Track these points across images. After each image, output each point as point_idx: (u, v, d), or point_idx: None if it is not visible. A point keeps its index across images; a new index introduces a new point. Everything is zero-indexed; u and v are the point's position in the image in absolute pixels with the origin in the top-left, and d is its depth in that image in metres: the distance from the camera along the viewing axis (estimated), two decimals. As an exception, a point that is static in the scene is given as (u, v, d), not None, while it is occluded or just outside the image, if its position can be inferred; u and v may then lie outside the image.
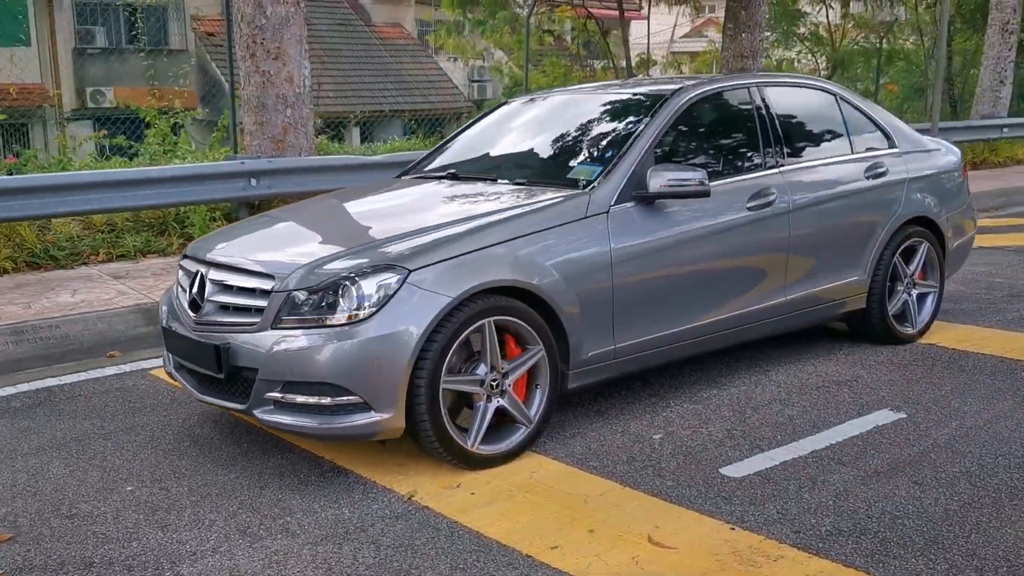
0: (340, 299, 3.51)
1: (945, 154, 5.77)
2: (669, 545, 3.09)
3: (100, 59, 26.37)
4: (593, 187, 4.16)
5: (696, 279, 4.39)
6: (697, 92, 4.66)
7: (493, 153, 5.01)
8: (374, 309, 3.48)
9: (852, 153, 5.21)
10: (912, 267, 5.42)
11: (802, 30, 17.95)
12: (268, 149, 8.52)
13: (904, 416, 4.26)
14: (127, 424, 4.38)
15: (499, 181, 4.52)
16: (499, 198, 4.23)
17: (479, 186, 4.54)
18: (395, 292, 3.50)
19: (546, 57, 18.70)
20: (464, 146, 5.23)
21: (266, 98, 8.50)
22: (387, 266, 3.56)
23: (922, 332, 5.51)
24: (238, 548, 3.14)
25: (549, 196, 4.14)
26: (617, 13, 27.75)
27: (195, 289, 3.91)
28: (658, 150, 4.39)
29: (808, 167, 4.94)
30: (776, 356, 5.20)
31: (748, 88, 4.89)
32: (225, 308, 3.79)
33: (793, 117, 5.10)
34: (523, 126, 5.14)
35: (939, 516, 3.26)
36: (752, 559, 2.98)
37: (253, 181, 7.99)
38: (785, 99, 5.11)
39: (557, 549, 3.08)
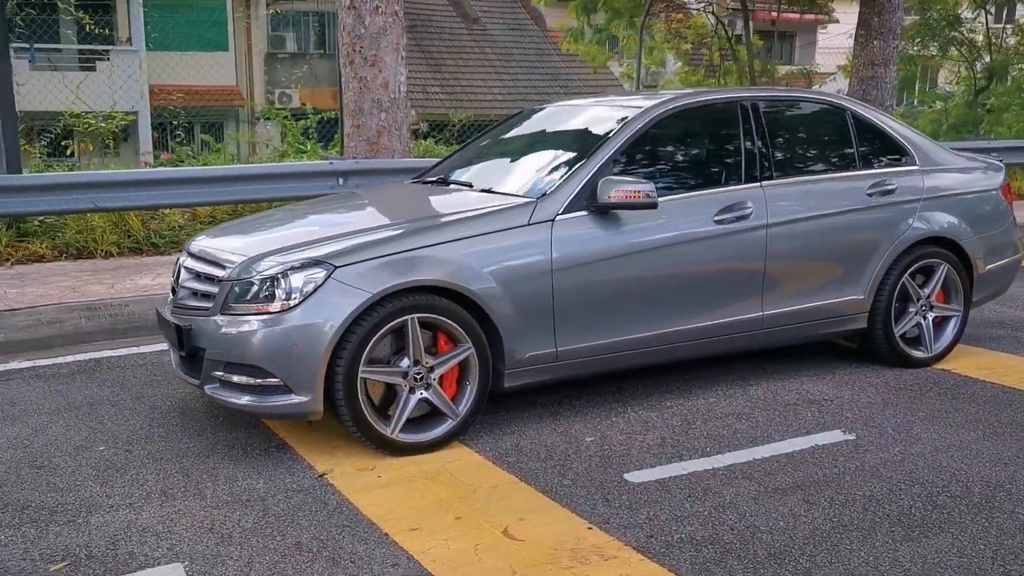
0: (275, 290, 3.86)
1: (981, 174, 5.52)
2: (518, 538, 3.25)
3: (288, 63, 28.18)
4: (544, 196, 4.33)
5: (650, 289, 4.47)
6: (670, 108, 4.72)
7: (481, 161, 5.25)
8: (300, 300, 3.81)
9: (858, 170, 5.10)
10: (928, 289, 5.23)
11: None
12: (363, 150, 9.05)
13: (852, 438, 4.19)
14: (138, 394, 4.91)
15: (472, 188, 4.76)
16: (456, 204, 4.48)
17: (450, 192, 4.81)
18: (320, 286, 3.82)
19: (685, 66, 18.59)
20: (468, 153, 5.49)
21: (362, 102, 9.03)
22: (316, 262, 3.89)
23: (939, 357, 5.31)
24: (149, 505, 3.55)
25: (497, 203, 4.35)
26: (798, 16, 26.99)
27: (174, 276, 4.39)
28: (622, 163, 4.50)
29: (796, 183, 4.90)
30: (771, 370, 5.17)
31: (738, 103, 4.90)
32: (194, 294, 4.23)
33: (789, 133, 5.06)
34: (517, 136, 5.35)
35: (802, 534, 3.26)
36: (585, 557, 3.11)
37: (340, 180, 8.53)
38: (783, 115, 5.08)
39: (415, 531, 3.31)
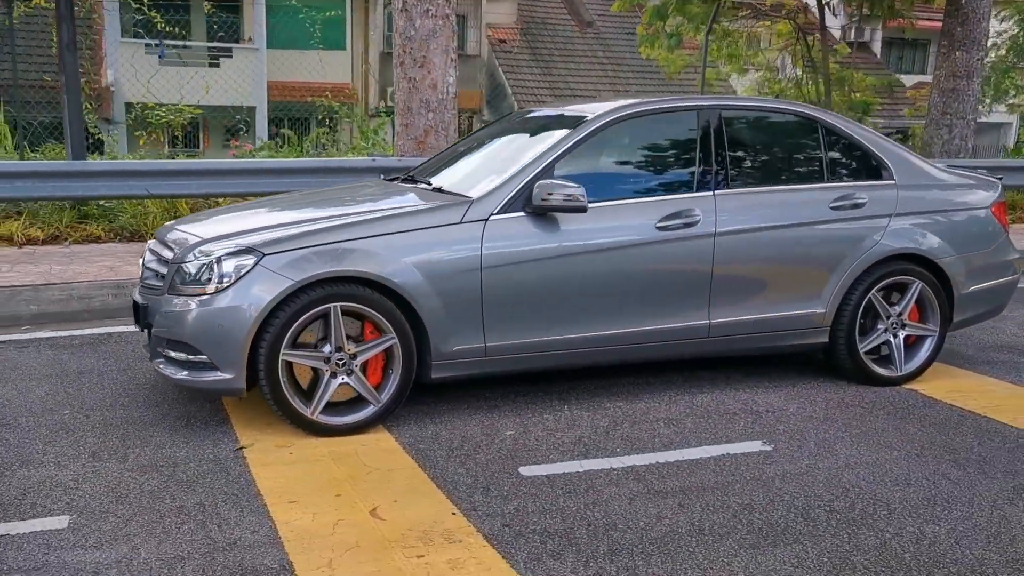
0: (210, 274, 4.16)
1: (969, 191, 5.37)
2: (382, 517, 3.44)
3: (403, 62, 28.80)
4: (482, 196, 4.49)
5: (586, 291, 4.56)
6: (621, 114, 4.80)
7: (453, 162, 5.41)
8: (229, 284, 4.10)
9: (825, 183, 5.06)
10: (900, 307, 5.14)
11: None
12: (411, 149, 9.36)
13: (768, 449, 4.20)
14: (126, 367, 5.31)
15: (430, 186, 4.95)
16: (401, 201, 4.68)
17: (407, 190, 5.01)
18: (248, 272, 4.10)
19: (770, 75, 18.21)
20: (447, 154, 5.68)
21: (411, 102, 9.34)
22: (248, 250, 4.16)
23: (911, 377, 5.20)
24: (74, 464, 3.89)
25: (436, 202, 4.54)
26: (935, 23, 26.02)
27: (142, 258, 4.75)
28: (568, 168, 4.61)
29: (753, 193, 4.90)
30: (734, 378, 5.20)
31: (697, 111, 4.93)
32: (155, 275, 4.57)
33: (753, 143, 5.07)
34: (490, 138, 5.51)
35: (655, 536, 3.33)
36: (433, 540, 3.27)
37: (381, 176, 8.84)
38: (748, 125, 5.08)
39: (292, 503, 3.54)
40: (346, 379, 4.23)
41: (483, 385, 4.92)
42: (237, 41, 27.02)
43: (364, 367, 4.27)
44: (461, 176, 5.05)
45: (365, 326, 4.28)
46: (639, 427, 4.45)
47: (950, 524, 3.47)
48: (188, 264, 4.24)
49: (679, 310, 4.75)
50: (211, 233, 4.45)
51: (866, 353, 5.13)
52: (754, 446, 4.24)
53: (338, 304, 4.16)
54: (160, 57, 24.58)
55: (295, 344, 4.16)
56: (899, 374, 5.18)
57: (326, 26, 28.02)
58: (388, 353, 4.29)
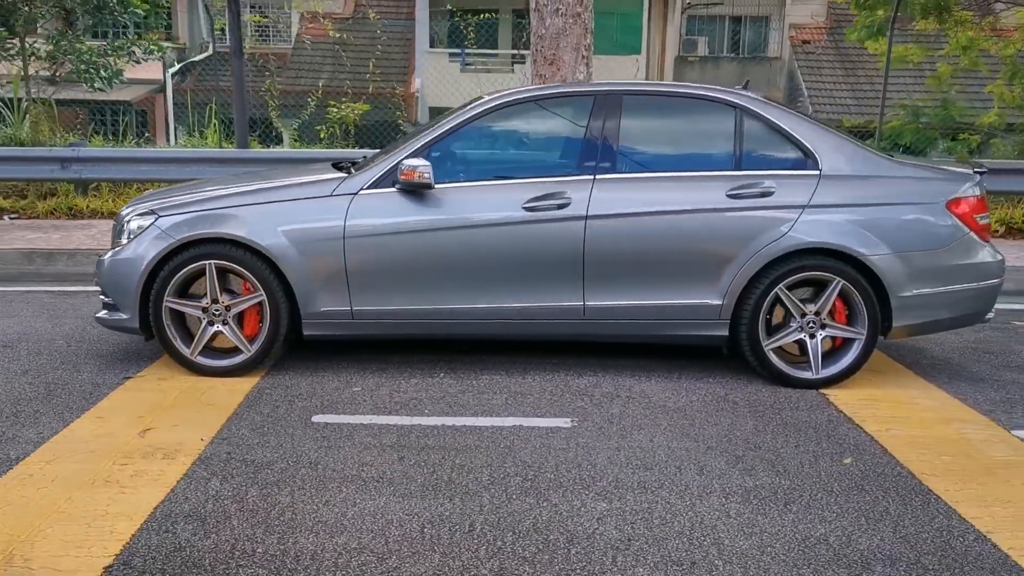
0: (123, 232, 4.98)
1: (919, 184, 4.89)
2: (144, 436, 4.03)
3: (697, 66, 29.14)
4: (358, 173, 4.93)
5: (450, 265, 4.81)
6: (508, 99, 4.98)
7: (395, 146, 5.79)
8: (130, 240, 4.89)
9: (731, 171, 4.88)
10: (817, 305, 4.83)
11: None
12: (540, 144, 9.77)
13: (564, 426, 4.24)
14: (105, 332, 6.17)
15: (351, 167, 5.38)
16: (300, 179, 5.16)
17: (323, 169, 5.43)
18: (145, 230, 4.87)
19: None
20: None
21: (539, 99, 9.74)
22: (150, 212, 4.94)
23: (831, 381, 4.87)
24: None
25: (315, 177, 5.04)
26: None
27: (122, 220, 5.69)
28: (446, 149, 4.92)
29: (639, 179, 4.86)
30: (629, 365, 5.19)
31: (595, 97, 4.97)
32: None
33: (652, 129, 5.01)
34: (426, 124, 5.84)
35: (350, 475, 3.63)
36: (155, 455, 3.80)
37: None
38: (652, 110, 5.03)
39: (99, 419, 4.24)
40: (221, 328, 4.87)
41: (393, 349, 5.34)
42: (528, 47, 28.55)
43: (239, 319, 4.88)
44: (373, 157, 5.43)
45: (244, 284, 4.88)
46: (473, 396, 4.64)
47: (622, 506, 3.42)
48: (116, 224, 5.09)
49: (551, 290, 4.85)
50: (149, 200, 5.27)
51: (780, 351, 4.88)
52: (558, 422, 4.30)
53: (212, 262, 4.80)
54: (463, 66, 26.70)
55: (185, 294, 4.86)
56: (815, 377, 4.86)
57: (624, 32, 28.90)
58: (262, 308, 4.86)
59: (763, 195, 4.80)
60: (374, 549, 3.05)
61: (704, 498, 3.50)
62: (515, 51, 27.15)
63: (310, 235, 4.82)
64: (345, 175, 4.99)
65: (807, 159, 4.89)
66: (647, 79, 28.70)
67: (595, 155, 4.88)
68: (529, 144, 5.17)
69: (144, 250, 4.82)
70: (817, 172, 4.85)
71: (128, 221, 4.97)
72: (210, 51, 27.54)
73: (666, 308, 4.86)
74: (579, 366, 5.17)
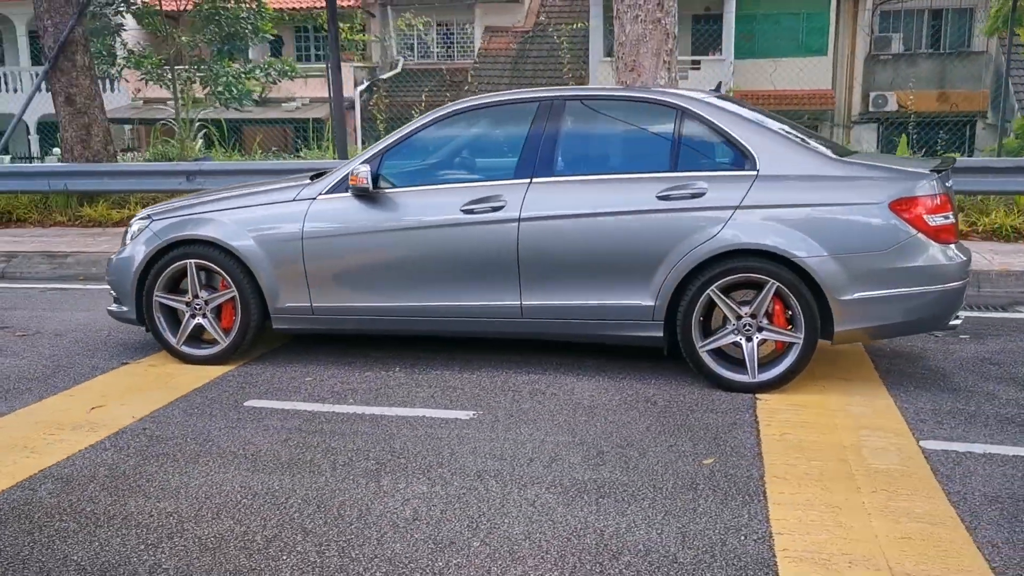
0: (128, 234, 5.65)
1: (861, 184, 4.70)
2: (89, 414, 4.61)
3: (890, 65, 27.96)
4: (316, 179, 5.35)
5: (397, 265, 5.13)
6: (457, 108, 5.23)
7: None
8: (130, 241, 5.55)
9: (667, 171, 4.90)
10: (751, 308, 4.78)
11: None
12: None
13: (462, 418, 4.46)
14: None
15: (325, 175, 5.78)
16: (273, 186, 5.61)
17: (299, 179, 5.85)
18: (141, 232, 5.51)
19: None
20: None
21: (619, 106, 9.83)
22: (147, 216, 5.57)
23: (769, 385, 4.79)
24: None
25: (285, 184, 5.49)
26: None
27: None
28: (399, 156, 5.25)
29: (570, 181, 4.97)
30: (562, 364, 5.31)
31: (539, 103, 5.12)
32: (141, 237, 6.16)
33: (591, 133, 5.11)
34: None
35: (230, 450, 4.04)
36: (83, 427, 4.36)
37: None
38: (593, 114, 5.13)
39: (69, 396, 4.88)
40: (200, 320, 5.42)
41: (381, 345, 5.73)
42: (707, 54, 28.33)
43: (217, 313, 5.41)
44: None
45: (222, 281, 5.41)
46: (407, 389, 4.93)
47: (441, 491, 3.62)
48: (129, 227, 5.77)
49: (489, 290, 5.06)
50: (161, 207, 5.92)
51: (721, 354, 4.86)
52: (459, 414, 4.52)
53: (193, 261, 5.36)
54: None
55: (174, 290, 5.46)
56: (752, 380, 4.80)
57: (807, 33, 28.11)
58: (235, 303, 5.37)
59: (694, 196, 4.80)
60: (182, 513, 3.43)
61: (525, 488, 3.63)
62: (691, 57, 26.98)
63: (274, 237, 5.28)
64: (308, 181, 5.41)
65: (744, 159, 4.83)
66: (835, 80, 27.64)
67: (534, 160, 5.04)
68: (475, 150, 5.40)
69: (138, 250, 5.45)
70: (754, 172, 4.79)
71: (131, 225, 5.62)
72: (399, 68, 29.17)
73: (600, 309, 4.95)
74: (529, 364, 5.33)
